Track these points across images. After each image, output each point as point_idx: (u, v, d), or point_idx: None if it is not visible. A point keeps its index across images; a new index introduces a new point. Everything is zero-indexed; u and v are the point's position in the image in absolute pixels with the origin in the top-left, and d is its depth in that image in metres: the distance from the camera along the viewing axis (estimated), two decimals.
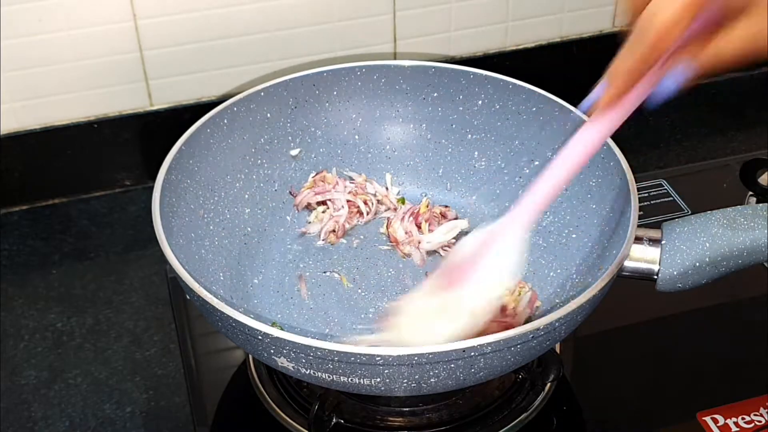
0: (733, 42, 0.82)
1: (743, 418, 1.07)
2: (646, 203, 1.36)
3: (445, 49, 1.50)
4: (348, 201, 1.26)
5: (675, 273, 1.01)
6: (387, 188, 1.29)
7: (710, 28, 0.84)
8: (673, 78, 0.86)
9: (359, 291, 1.18)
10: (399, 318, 0.98)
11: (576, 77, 1.53)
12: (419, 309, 0.98)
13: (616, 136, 1.10)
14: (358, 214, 1.27)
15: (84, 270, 1.32)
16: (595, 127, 0.93)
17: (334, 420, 1.03)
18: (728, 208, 1.03)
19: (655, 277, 1.02)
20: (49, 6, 1.27)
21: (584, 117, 1.14)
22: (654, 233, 1.03)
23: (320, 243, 1.24)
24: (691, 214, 1.13)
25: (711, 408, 1.09)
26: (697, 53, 0.84)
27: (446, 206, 1.27)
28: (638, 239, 1.01)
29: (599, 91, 0.90)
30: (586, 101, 0.92)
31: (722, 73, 0.85)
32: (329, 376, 0.91)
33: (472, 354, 0.88)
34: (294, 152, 1.27)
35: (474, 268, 0.97)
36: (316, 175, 1.27)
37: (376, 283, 1.19)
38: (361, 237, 1.25)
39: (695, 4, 0.81)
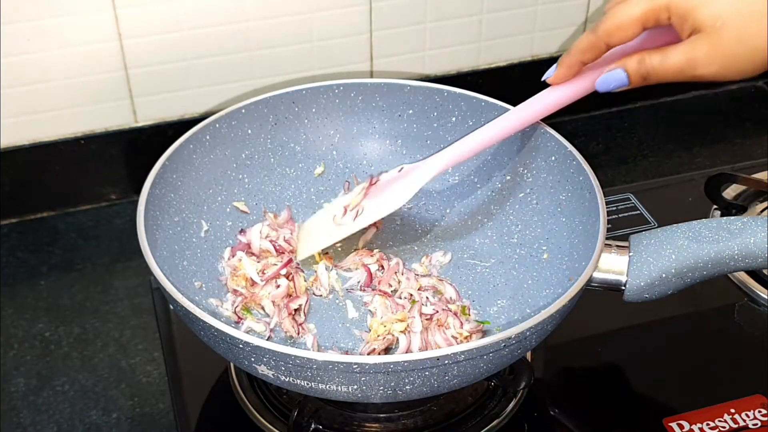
0: (672, 59, 0.97)
1: (708, 424, 1.09)
2: (614, 217, 1.36)
3: (420, 68, 1.50)
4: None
5: (642, 284, 1.02)
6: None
7: (657, 44, 1.00)
8: (615, 76, 1.01)
9: (336, 302, 1.18)
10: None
11: None
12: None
13: (586, 152, 1.14)
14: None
15: (71, 281, 1.32)
16: (536, 101, 1.11)
17: (312, 426, 1.04)
18: (693, 221, 1.04)
19: (623, 287, 1.03)
20: (38, 26, 1.28)
21: (555, 134, 1.18)
22: (622, 245, 1.04)
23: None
24: (658, 227, 1.14)
25: (677, 414, 1.10)
26: (640, 61, 0.99)
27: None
28: (606, 251, 1.03)
29: (552, 70, 1.08)
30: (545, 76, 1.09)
31: (656, 83, 1.00)
32: (308, 384, 0.92)
33: (446, 362, 0.90)
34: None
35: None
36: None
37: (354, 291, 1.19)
38: (338, 248, 1.25)
39: (651, 16, 0.97)
